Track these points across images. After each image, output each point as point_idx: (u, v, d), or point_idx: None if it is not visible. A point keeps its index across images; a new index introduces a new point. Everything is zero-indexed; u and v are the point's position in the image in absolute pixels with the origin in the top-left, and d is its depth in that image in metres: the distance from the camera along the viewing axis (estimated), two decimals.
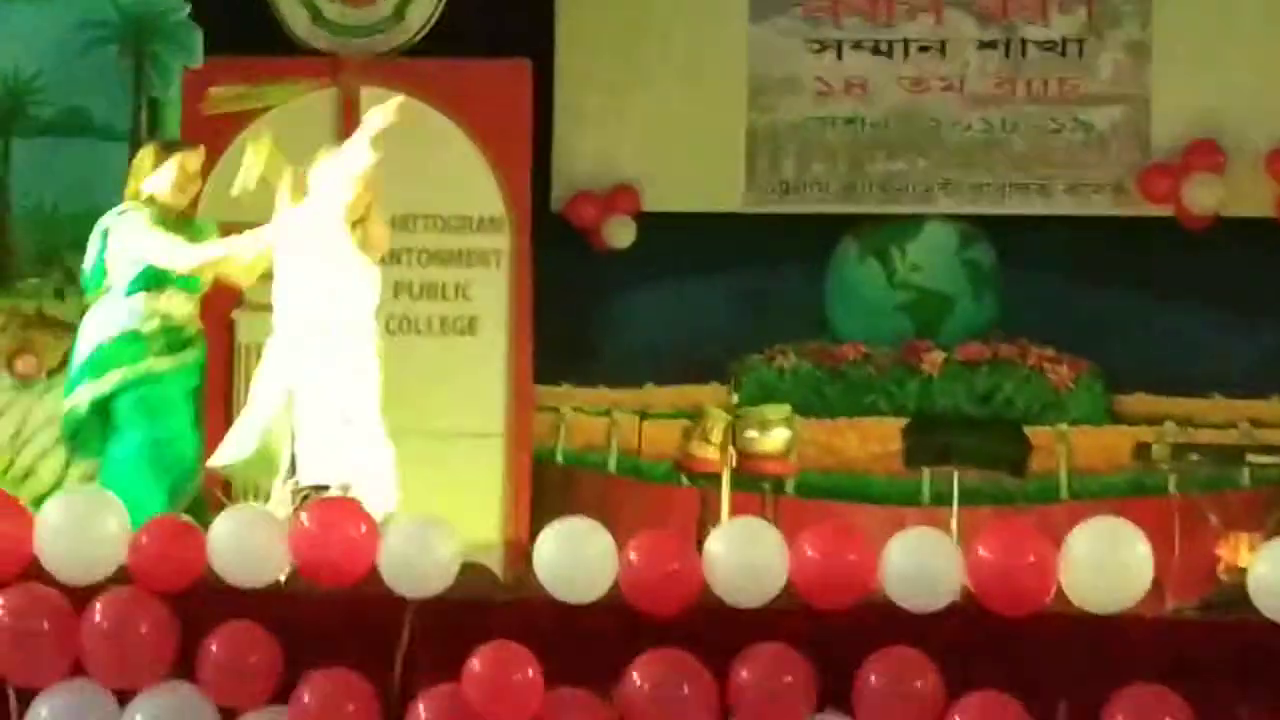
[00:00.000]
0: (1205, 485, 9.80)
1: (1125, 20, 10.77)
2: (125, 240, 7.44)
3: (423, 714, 5.53)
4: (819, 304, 10.97)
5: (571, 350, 10.68)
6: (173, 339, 7.46)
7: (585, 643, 5.60)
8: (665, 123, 10.78)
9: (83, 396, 7.37)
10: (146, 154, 7.68)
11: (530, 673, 5.47)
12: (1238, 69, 10.50)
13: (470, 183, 10.01)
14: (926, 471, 9.98)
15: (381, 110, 7.39)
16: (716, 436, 9.59)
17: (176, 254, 7.46)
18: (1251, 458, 9.96)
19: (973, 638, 5.52)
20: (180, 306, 7.52)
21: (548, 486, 10.21)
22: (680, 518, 9.89)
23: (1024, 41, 10.87)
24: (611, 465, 10.55)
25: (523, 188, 10.23)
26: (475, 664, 5.47)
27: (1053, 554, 5.55)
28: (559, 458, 10.56)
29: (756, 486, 9.62)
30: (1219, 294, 10.36)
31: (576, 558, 5.70)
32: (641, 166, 10.74)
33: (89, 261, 7.53)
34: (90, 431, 7.41)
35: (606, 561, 5.67)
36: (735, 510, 9.27)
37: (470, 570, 6.03)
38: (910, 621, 5.54)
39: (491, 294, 10.08)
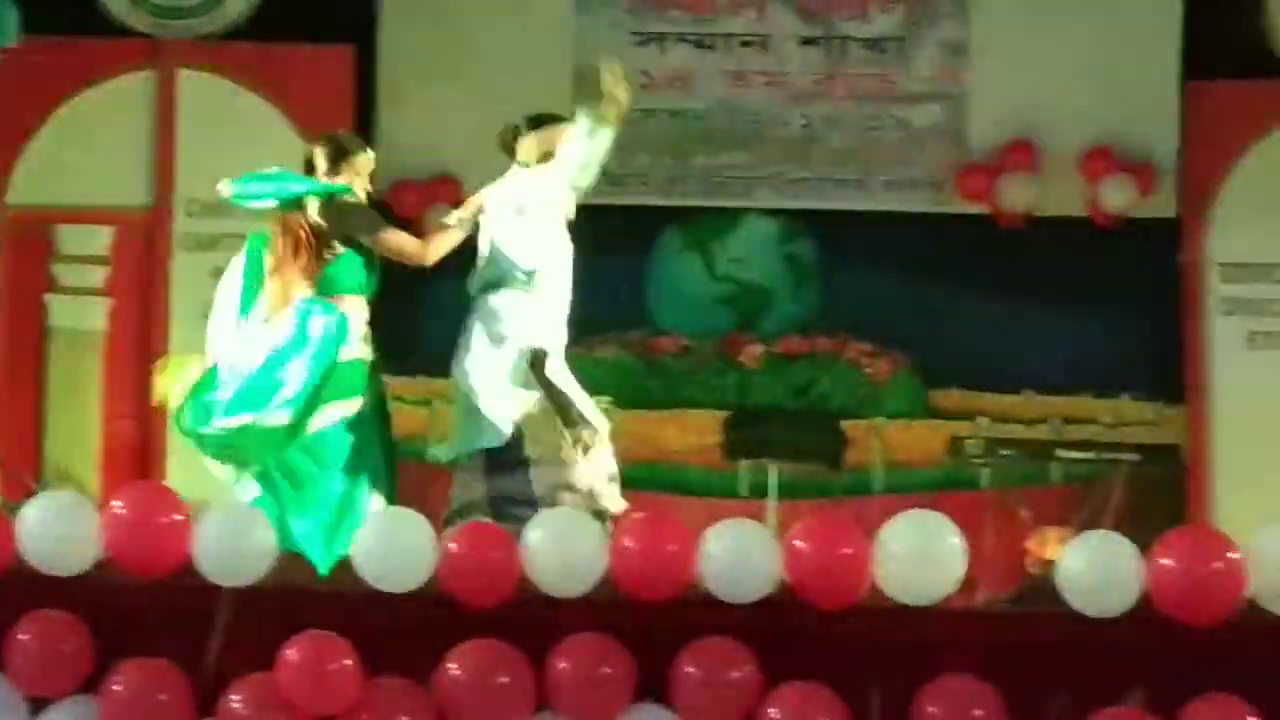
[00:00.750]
0: (1017, 480, 9.97)
1: (944, 20, 10.89)
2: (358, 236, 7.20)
3: (235, 704, 5.48)
4: (640, 296, 11.00)
5: (392, 339, 10.58)
6: None
7: (403, 632, 5.58)
8: (489, 112, 10.70)
9: (323, 415, 6.94)
10: (321, 151, 7.40)
11: (346, 662, 5.44)
12: (1054, 70, 10.65)
13: (291, 167, 9.92)
14: (744, 464, 10.05)
15: (612, 78, 7.23)
16: None
17: (428, 248, 7.48)
18: (1061, 453, 10.18)
19: (789, 629, 5.57)
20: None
21: None
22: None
23: (844, 38, 10.96)
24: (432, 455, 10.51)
25: None
26: (290, 653, 5.43)
27: (867, 546, 5.62)
28: None
29: None
30: (1033, 292, 10.53)
31: (395, 547, 5.67)
32: (464, 156, 10.67)
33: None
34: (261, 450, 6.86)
35: (425, 551, 5.66)
36: None
37: (287, 558, 5.99)
38: (727, 612, 5.58)
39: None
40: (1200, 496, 10.17)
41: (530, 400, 7.09)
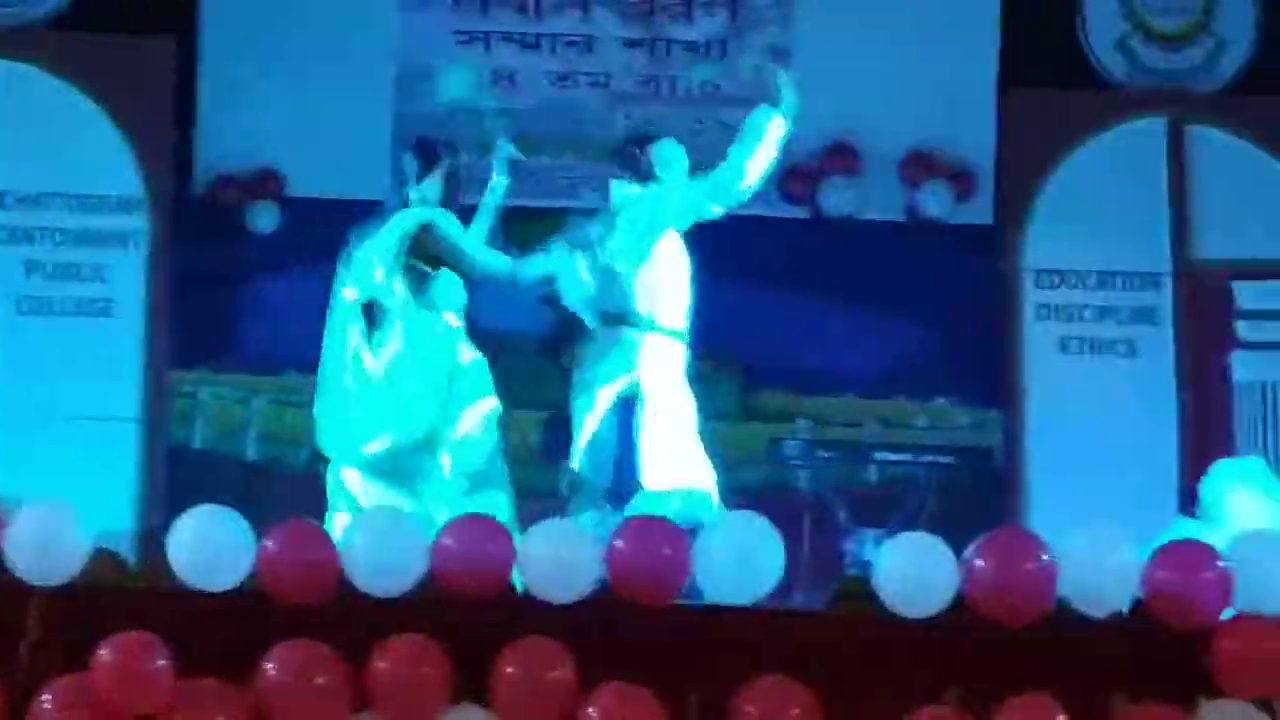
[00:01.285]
0: (835, 482, 10.07)
1: (767, 24, 10.96)
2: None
3: (49, 705, 5.40)
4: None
5: (211, 335, 10.52)
6: None
7: (220, 632, 5.52)
8: (312, 108, 10.66)
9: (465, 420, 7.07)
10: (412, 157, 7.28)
11: (161, 662, 5.38)
12: (875, 75, 10.76)
13: (109, 162, 9.81)
14: (565, 464, 10.04)
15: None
16: None
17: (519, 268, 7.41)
18: (879, 456, 10.28)
19: (609, 629, 5.58)
20: None
21: (184, 473, 10.06)
22: (320, 507, 9.81)
23: (669, 41, 11.00)
24: (250, 452, 10.42)
25: (163, 168, 10.05)
26: (104, 653, 5.36)
27: (686, 547, 5.65)
28: (196, 444, 10.40)
29: None
30: (853, 295, 10.63)
31: (212, 546, 5.62)
32: (287, 151, 10.60)
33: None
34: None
35: (243, 550, 5.61)
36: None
37: (102, 558, 5.90)
38: (548, 612, 5.58)
39: (128, 276, 9.89)
40: (1014, 499, 10.33)
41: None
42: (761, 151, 7.17)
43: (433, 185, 7.24)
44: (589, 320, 7.31)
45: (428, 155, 7.31)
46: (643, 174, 7.35)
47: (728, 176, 7.18)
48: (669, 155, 7.39)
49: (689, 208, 7.24)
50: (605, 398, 7.16)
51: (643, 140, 7.48)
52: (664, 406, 7.09)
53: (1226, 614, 5.59)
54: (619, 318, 7.27)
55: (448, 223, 7.14)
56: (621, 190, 7.38)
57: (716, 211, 7.22)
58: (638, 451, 7.04)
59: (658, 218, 7.24)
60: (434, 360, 7.08)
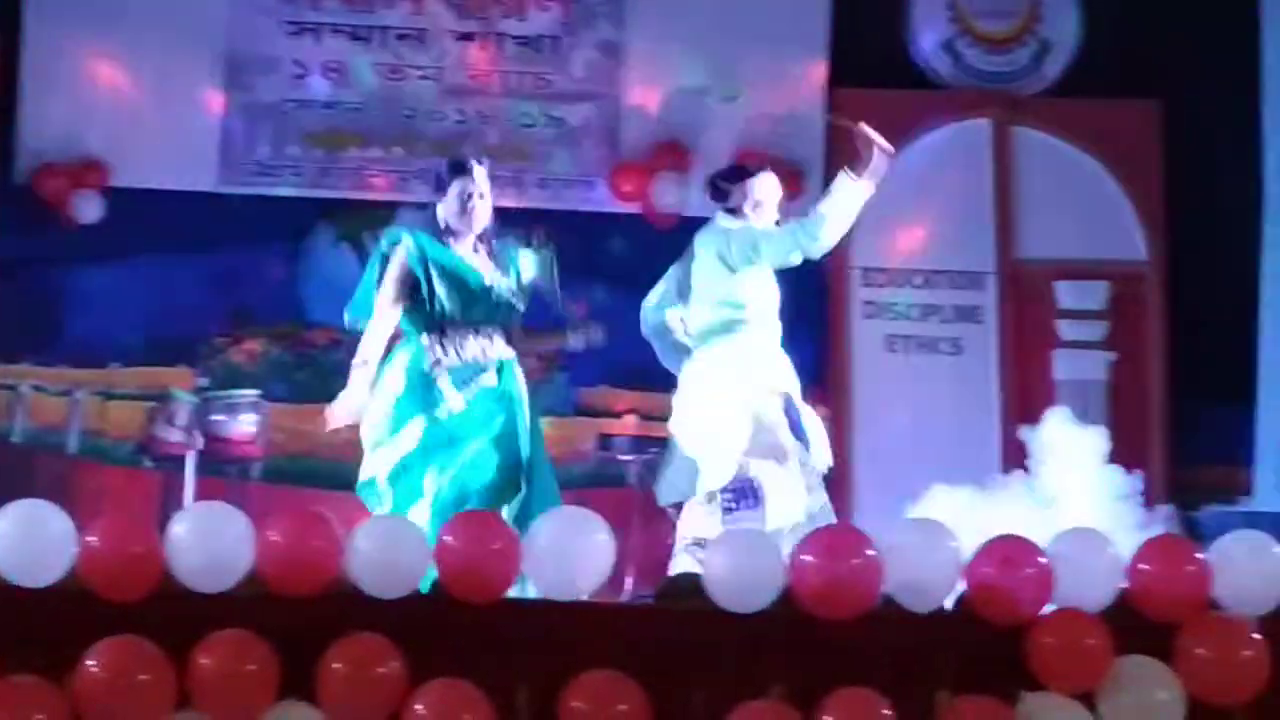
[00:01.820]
0: None
1: (600, 20, 10.99)
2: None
3: None
4: (292, 288, 10.89)
5: (32, 327, 10.36)
6: None
7: (41, 629, 5.44)
8: (139, 98, 10.53)
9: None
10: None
11: None
12: (706, 73, 10.82)
13: None
14: None
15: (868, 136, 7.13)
16: (182, 419, 9.46)
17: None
18: None
19: (437, 625, 5.57)
20: None
21: (4, 467, 9.91)
22: (143, 501, 9.72)
23: (501, 35, 10.99)
24: (72, 446, 10.29)
25: None
26: None
27: (515, 542, 5.65)
28: (16, 437, 10.25)
29: (223, 471, 9.52)
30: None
31: (33, 540, 5.54)
32: (112, 140, 10.47)
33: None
34: None
35: (65, 545, 5.53)
36: (200, 494, 9.16)
37: None
38: (376, 608, 5.56)
39: None
40: (841, 494, 10.41)
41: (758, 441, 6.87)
42: (843, 208, 7.24)
43: (448, 203, 6.93)
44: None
45: (445, 174, 7.02)
46: (733, 208, 7.37)
47: (813, 228, 7.15)
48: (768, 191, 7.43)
49: (787, 250, 7.21)
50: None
51: (740, 174, 7.46)
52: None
53: (1047, 609, 5.68)
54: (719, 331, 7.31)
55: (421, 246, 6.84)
56: (724, 222, 7.37)
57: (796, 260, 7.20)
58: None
59: (757, 255, 7.28)
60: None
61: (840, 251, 10.76)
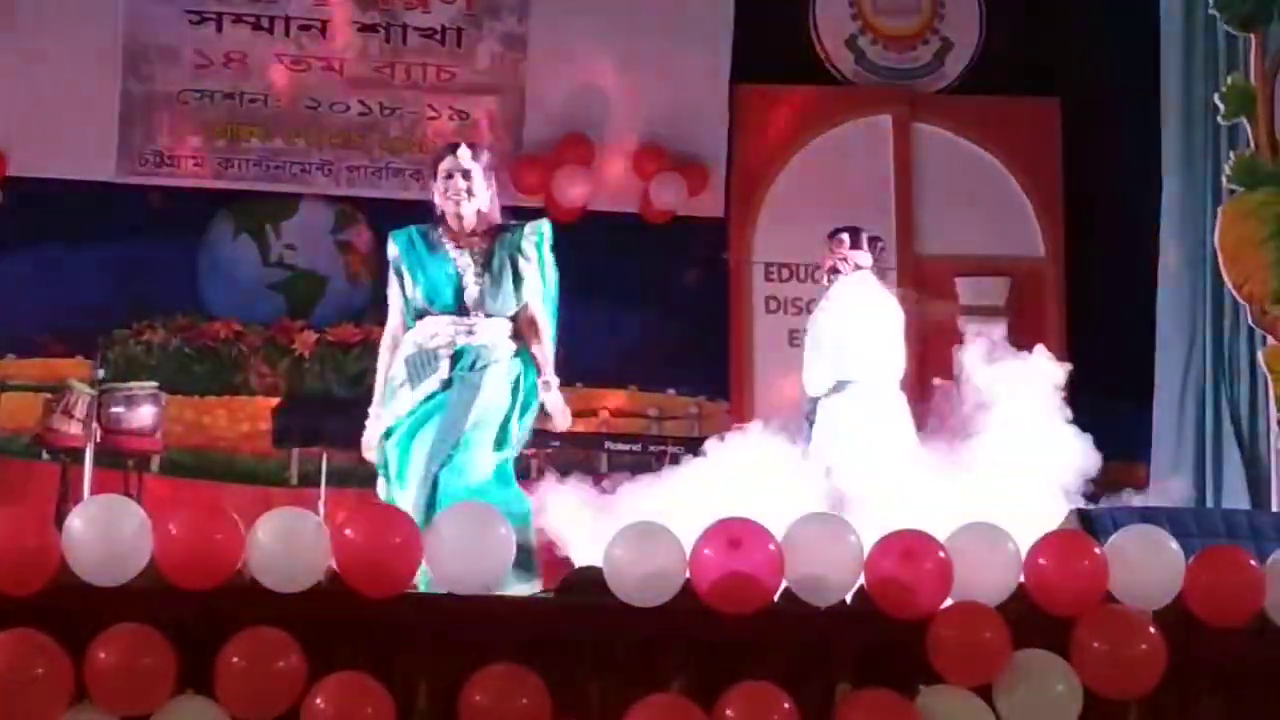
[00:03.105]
0: (567, 470, 10.09)
1: (504, 12, 10.99)
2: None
3: None
4: (192, 280, 10.82)
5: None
6: None
7: None
8: (37, 86, 10.43)
9: None
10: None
11: None
12: (609, 67, 10.84)
13: None
14: (296, 452, 9.99)
15: None
16: (80, 411, 9.37)
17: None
18: (610, 445, 10.35)
19: (337, 619, 5.55)
20: None
21: None
22: (40, 493, 9.63)
23: (405, 27, 10.96)
24: None
25: None
26: None
27: (417, 535, 5.63)
28: None
29: (121, 463, 9.45)
30: (585, 286, 10.63)
31: None
32: (9, 130, 10.37)
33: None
34: None
35: None
36: (98, 487, 9.08)
37: None
38: (275, 602, 5.53)
39: None
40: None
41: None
42: None
43: (436, 186, 6.96)
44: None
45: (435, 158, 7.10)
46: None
47: None
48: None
49: None
50: None
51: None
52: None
53: (946, 602, 5.72)
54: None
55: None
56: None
57: None
58: None
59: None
60: None
61: (742, 246, 10.88)
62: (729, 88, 10.91)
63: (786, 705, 5.44)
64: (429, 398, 6.70)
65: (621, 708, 5.45)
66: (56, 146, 10.43)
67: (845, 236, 8.78)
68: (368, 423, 6.86)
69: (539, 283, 7.01)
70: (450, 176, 6.88)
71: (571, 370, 10.40)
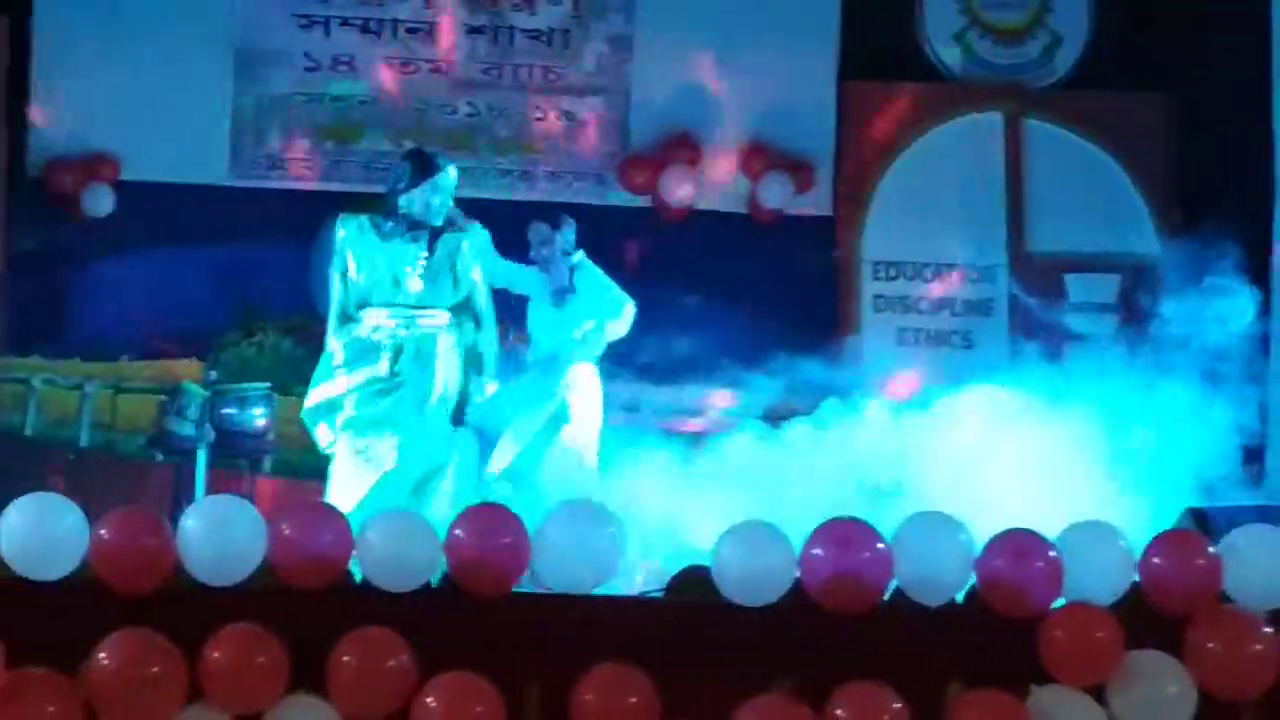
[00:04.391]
0: None
1: (610, 13, 10.99)
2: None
3: None
4: (303, 282, 10.86)
5: (44, 320, 10.38)
6: None
7: (52, 622, 5.45)
8: (149, 91, 10.53)
9: None
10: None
11: None
12: (715, 66, 10.82)
13: None
14: None
15: None
16: (193, 412, 9.46)
17: None
18: None
19: (447, 618, 5.57)
20: None
21: (16, 460, 9.92)
22: (155, 494, 9.73)
23: (512, 29, 10.98)
24: (84, 439, 10.30)
25: None
26: None
27: (526, 536, 5.65)
28: (28, 431, 10.26)
29: (234, 464, 9.52)
30: (692, 285, 10.67)
31: (44, 534, 5.54)
32: (123, 134, 10.47)
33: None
34: None
35: (76, 538, 5.54)
36: (211, 488, 9.16)
37: None
38: (386, 602, 5.56)
39: None
40: None
41: None
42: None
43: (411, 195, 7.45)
44: None
45: (419, 167, 7.52)
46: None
47: None
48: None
49: None
50: None
51: None
52: None
53: (1058, 603, 5.68)
54: None
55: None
56: None
57: None
58: None
59: None
60: None
61: (850, 245, 10.84)
62: (836, 85, 10.87)
63: (897, 706, 5.42)
64: (373, 386, 7.26)
65: (730, 708, 5.45)
66: (169, 151, 10.53)
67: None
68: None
69: (476, 282, 7.48)
70: (437, 191, 7.39)
71: (679, 370, 10.45)
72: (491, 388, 7.45)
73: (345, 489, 7.20)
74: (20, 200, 10.02)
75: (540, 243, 8.66)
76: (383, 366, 7.29)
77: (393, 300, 7.33)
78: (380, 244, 7.39)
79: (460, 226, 7.50)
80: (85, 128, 10.46)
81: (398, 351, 7.29)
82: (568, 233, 8.60)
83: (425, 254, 7.37)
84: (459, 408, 7.38)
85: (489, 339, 7.45)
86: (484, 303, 7.47)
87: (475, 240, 7.51)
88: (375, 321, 7.34)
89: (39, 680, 5.36)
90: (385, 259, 7.37)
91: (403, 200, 7.40)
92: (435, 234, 7.40)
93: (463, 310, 7.42)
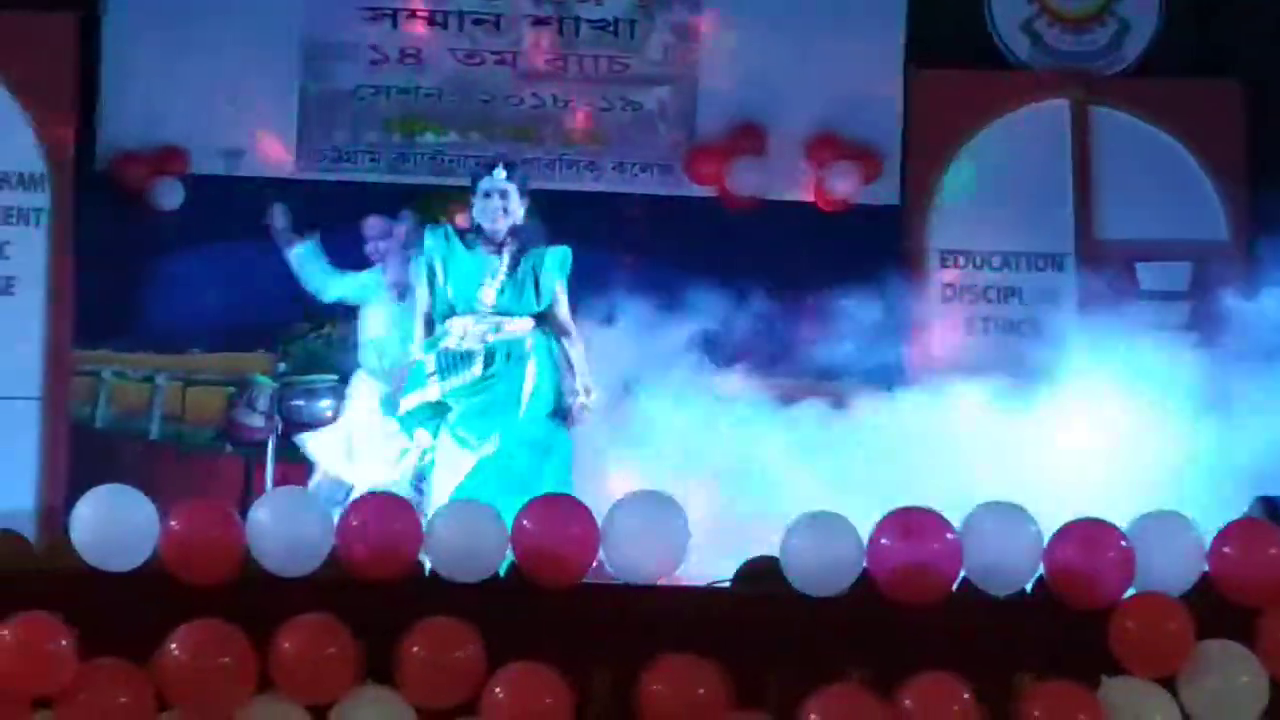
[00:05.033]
0: None
1: (675, 3, 10.97)
2: None
3: None
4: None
5: (114, 313, 10.43)
6: None
7: (124, 613, 5.49)
8: (217, 84, 10.57)
9: None
10: None
11: (63, 643, 5.34)
12: (781, 55, 10.79)
13: (10, 138, 9.70)
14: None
15: None
16: (262, 404, 9.51)
17: None
18: None
19: (515, 609, 5.59)
20: None
21: (86, 453, 9.98)
22: (224, 486, 9.79)
23: (577, 19, 10.98)
24: (154, 432, 10.36)
25: (66, 145, 9.97)
26: (5, 634, 5.32)
27: (594, 526, 5.65)
28: (98, 423, 10.32)
29: (303, 456, 9.56)
30: (760, 275, 10.64)
31: (115, 526, 5.58)
32: (190, 128, 10.52)
33: None
34: None
35: (147, 529, 5.57)
36: (280, 479, 9.20)
37: (2, 538, 5.86)
38: (454, 592, 5.58)
39: (30, 253, 9.80)
40: None
41: None
42: None
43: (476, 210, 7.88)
44: None
45: (472, 180, 7.92)
46: None
47: None
48: None
49: None
50: None
51: None
52: None
53: (1128, 593, 5.65)
54: None
55: None
56: None
57: None
58: None
59: None
60: None
61: (918, 234, 10.79)
62: (904, 74, 10.83)
63: (966, 696, 5.40)
64: (470, 388, 7.51)
65: (800, 698, 5.44)
66: (236, 144, 10.58)
67: None
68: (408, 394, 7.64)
69: (558, 295, 7.72)
70: (489, 196, 7.67)
71: (748, 360, 10.43)
72: (594, 394, 7.67)
73: (449, 489, 7.35)
74: (90, 194, 10.07)
75: (377, 237, 8.77)
76: (476, 369, 7.54)
77: (475, 309, 7.59)
78: (464, 254, 7.64)
79: (542, 244, 7.76)
80: (154, 121, 10.50)
81: (489, 355, 7.55)
82: (403, 226, 9.06)
83: (506, 265, 7.63)
84: (555, 405, 7.60)
85: (577, 347, 7.69)
86: (565, 314, 7.70)
87: (558, 255, 7.70)
88: (462, 329, 7.58)
89: (111, 671, 5.41)
90: (469, 269, 7.62)
91: (474, 213, 7.75)
92: (520, 249, 7.67)
93: (544, 320, 7.65)
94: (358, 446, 9.08)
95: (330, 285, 9.46)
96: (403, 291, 8.88)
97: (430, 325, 7.70)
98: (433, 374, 7.56)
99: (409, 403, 7.61)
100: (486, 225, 7.67)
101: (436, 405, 7.54)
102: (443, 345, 7.60)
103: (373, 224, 9.21)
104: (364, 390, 9.32)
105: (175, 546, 5.55)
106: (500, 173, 7.69)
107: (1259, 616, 5.62)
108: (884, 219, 10.82)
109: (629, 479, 8.10)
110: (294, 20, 10.74)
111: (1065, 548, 5.64)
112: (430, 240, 7.73)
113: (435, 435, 7.54)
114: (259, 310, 10.46)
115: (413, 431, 7.60)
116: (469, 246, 7.68)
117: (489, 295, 7.57)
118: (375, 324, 9.31)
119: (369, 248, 9.13)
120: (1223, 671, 5.58)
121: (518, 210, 7.72)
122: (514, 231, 7.69)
